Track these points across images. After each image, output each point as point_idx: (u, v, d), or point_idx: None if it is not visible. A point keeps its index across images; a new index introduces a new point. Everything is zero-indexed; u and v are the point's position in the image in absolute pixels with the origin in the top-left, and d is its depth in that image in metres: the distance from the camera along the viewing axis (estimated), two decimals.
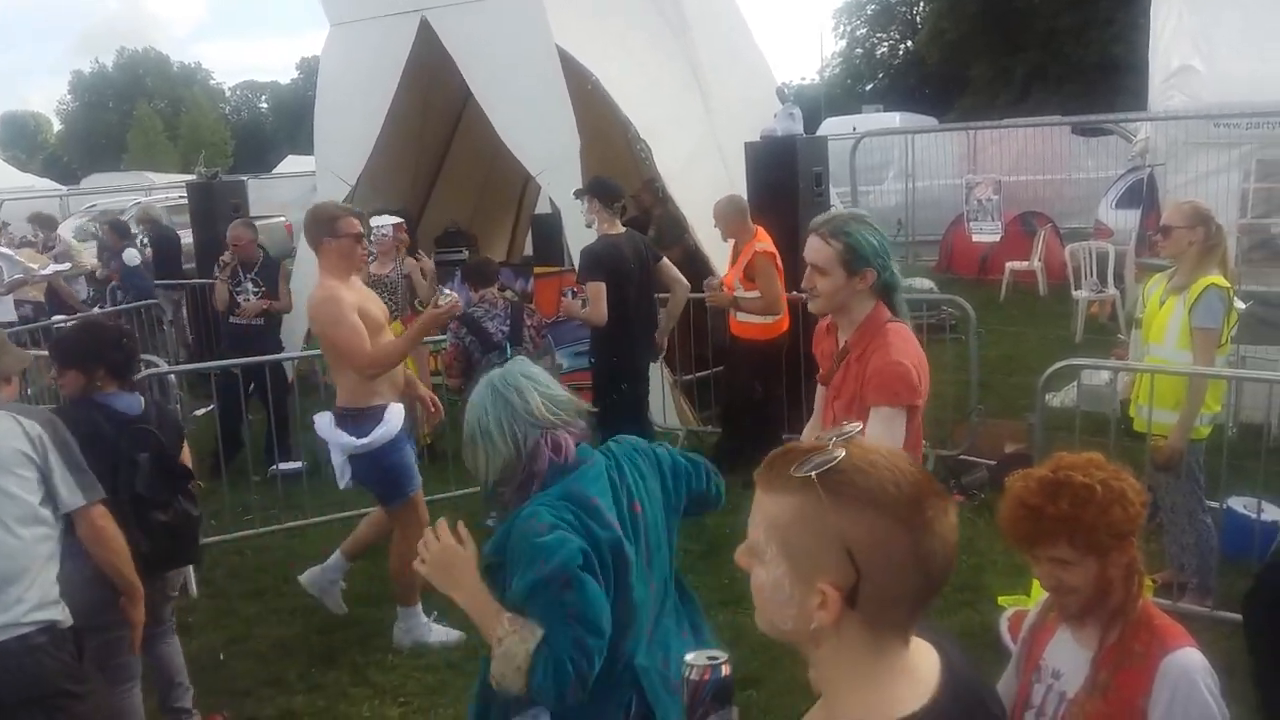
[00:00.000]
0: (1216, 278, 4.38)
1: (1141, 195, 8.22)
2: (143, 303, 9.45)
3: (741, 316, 6.43)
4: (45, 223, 12.08)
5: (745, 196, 7.09)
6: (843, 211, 3.36)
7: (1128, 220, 9.54)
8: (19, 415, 2.80)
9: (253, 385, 7.16)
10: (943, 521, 1.21)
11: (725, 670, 1.56)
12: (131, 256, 9.84)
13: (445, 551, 2.25)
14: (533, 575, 2.09)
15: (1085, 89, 26.88)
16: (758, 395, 6.43)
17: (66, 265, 10.59)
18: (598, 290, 5.51)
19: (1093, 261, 10.62)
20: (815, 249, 2.96)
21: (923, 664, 1.28)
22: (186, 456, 3.93)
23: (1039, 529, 2.05)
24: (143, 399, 3.80)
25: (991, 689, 1.42)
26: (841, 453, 1.21)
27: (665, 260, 6.05)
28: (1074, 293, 10.48)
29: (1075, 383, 5.51)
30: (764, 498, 1.27)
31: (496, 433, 2.25)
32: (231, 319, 7.59)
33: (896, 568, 1.19)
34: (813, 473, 1.19)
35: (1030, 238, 12.81)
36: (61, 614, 2.82)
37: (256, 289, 7.58)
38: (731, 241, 6.55)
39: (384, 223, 7.51)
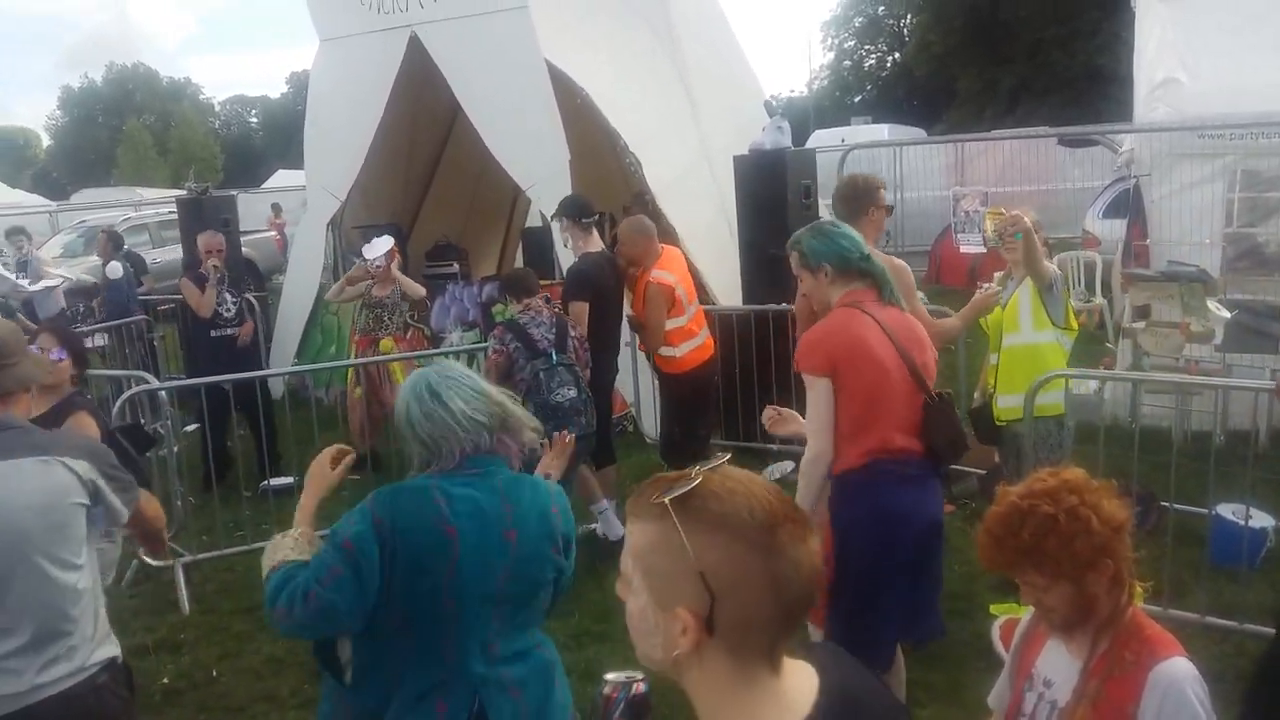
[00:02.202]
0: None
1: (1128, 205, 8.29)
2: (131, 319, 9.42)
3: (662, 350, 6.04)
4: (11, 234, 11.86)
5: (734, 208, 7.13)
6: (804, 227, 3.66)
7: (1114, 230, 9.60)
8: (67, 460, 2.63)
9: (241, 400, 7.16)
10: (797, 547, 1.21)
11: (639, 689, 1.59)
12: (114, 270, 9.83)
13: (318, 466, 2.68)
14: (338, 525, 2.40)
15: (1072, 99, 27.11)
16: (676, 437, 6.08)
17: (56, 281, 10.56)
18: (580, 310, 5.55)
19: (1080, 271, 10.68)
20: (792, 264, 3.49)
21: (797, 688, 1.27)
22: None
23: (1005, 558, 2.09)
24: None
25: (890, 708, 1.41)
26: (699, 480, 1.23)
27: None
28: None
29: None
30: (630, 526, 1.28)
31: (421, 430, 2.44)
32: (213, 333, 7.54)
33: (751, 592, 1.19)
34: (667, 499, 1.21)
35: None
36: (116, 647, 2.78)
37: (234, 299, 7.61)
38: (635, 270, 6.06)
39: (377, 252, 7.49)
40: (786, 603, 1.21)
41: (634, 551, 1.27)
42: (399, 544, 2.32)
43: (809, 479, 3.29)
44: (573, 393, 5.19)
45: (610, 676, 1.65)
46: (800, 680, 1.28)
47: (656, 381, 6.44)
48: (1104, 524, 2.01)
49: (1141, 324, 6.55)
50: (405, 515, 2.36)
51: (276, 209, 18.77)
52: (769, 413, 3.63)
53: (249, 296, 8.27)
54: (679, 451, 6.05)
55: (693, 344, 5.99)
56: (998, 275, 4.98)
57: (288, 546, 2.47)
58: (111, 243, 10.37)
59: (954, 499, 6.20)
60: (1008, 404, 4.68)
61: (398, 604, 2.34)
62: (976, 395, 5.37)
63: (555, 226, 6.10)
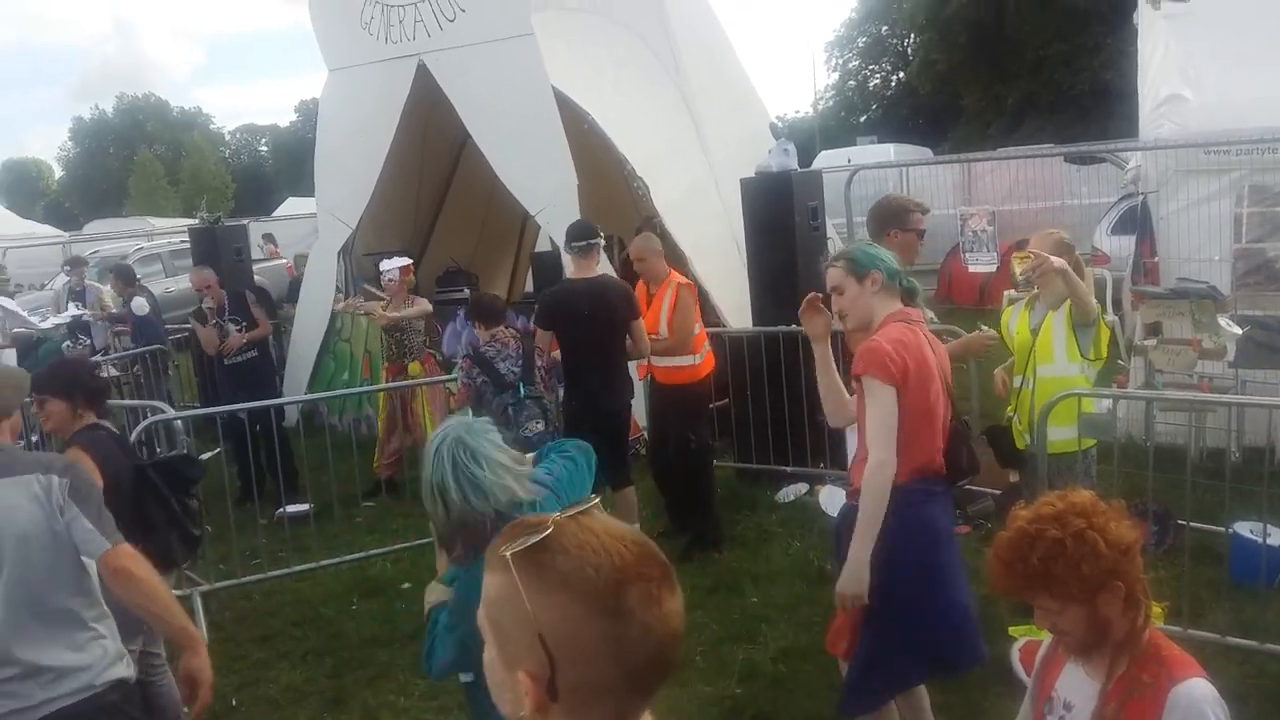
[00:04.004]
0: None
1: (1136, 222, 8.28)
2: (149, 348, 9.49)
3: (664, 362, 6.11)
4: (78, 264, 12.07)
5: (741, 231, 7.15)
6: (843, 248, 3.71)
7: (1124, 247, 9.58)
8: (39, 473, 2.67)
9: (258, 426, 7.20)
10: (649, 609, 1.11)
11: None
12: (140, 305, 9.89)
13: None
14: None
15: (1078, 116, 27.14)
16: (695, 444, 6.10)
17: (66, 319, 10.63)
18: (544, 338, 5.57)
19: (1091, 288, 10.65)
20: (830, 277, 3.40)
21: None
22: None
23: (1015, 584, 2.09)
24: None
25: None
26: (549, 530, 1.13)
27: (639, 322, 5.81)
28: None
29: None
30: (485, 574, 1.20)
31: (457, 498, 2.40)
32: (225, 361, 7.70)
33: (589, 657, 1.10)
34: (508, 552, 1.13)
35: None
36: (128, 669, 2.81)
37: (237, 326, 7.68)
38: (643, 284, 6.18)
39: (391, 266, 7.60)
40: (632, 670, 1.12)
41: (485, 601, 1.18)
42: None
43: (876, 489, 3.13)
44: (541, 426, 5.20)
45: None
46: None
47: (655, 395, 6.39)
48: (1111, 546, 2.01)
49: (1153, 341, 6.54)
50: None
51: (269, 239, 18.69)
52: (811, 298, 3.47)
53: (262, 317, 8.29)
54: (698, 459, 6.16)
55: (705, 349, 6.18)
56: (1007, 294, 4.96)
57: (440, 591, 2.62)
58: (122, 279, 10.46)
59: (969, 519, 6.19)
60: (1055, 436, 4.59)
61: None
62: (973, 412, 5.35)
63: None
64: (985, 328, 4.84)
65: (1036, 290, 4.70)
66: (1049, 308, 4.59)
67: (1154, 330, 6.68)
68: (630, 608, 1.10)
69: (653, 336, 5.97)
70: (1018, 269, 4.46)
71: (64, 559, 2.68)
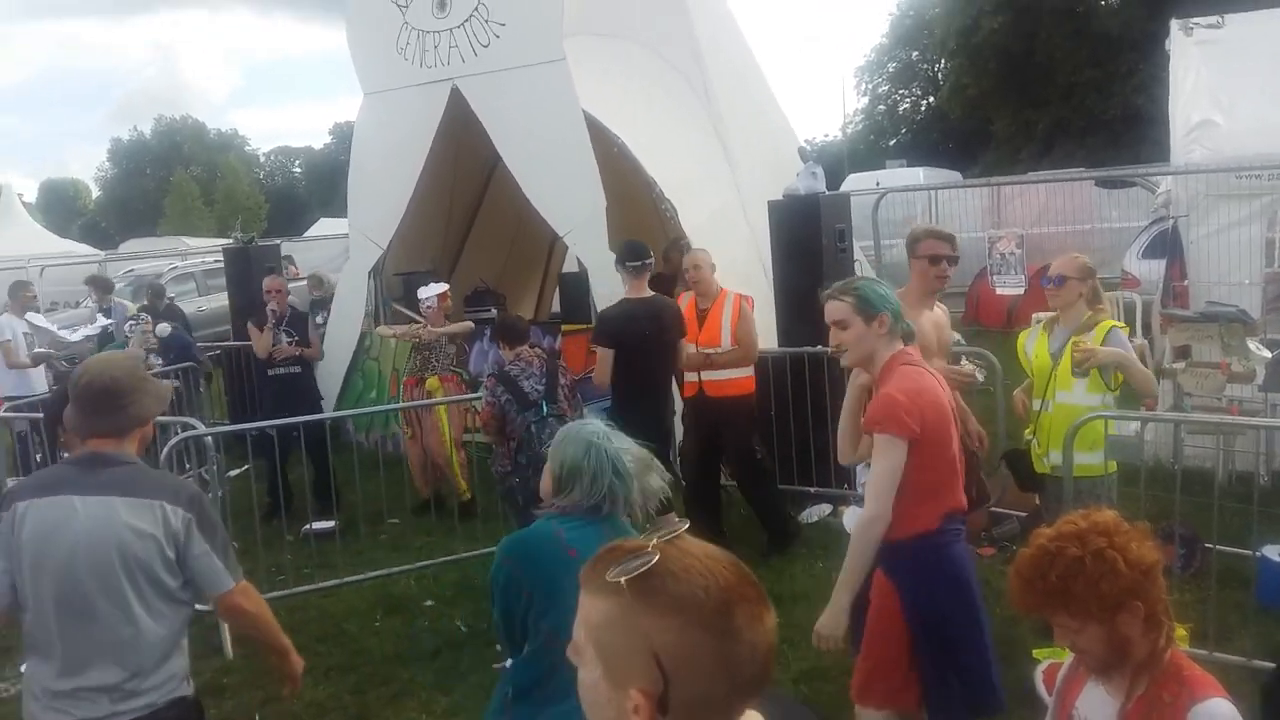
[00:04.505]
0: (1115, 321, 4.72)
1: (1166, 246, 8.25)
2: (183, 364, 9.62)
3: (721, 375, 6.20)
4: (101, 285, 12.29)
5: (768, 254, 7.18)
6: (848, 278, 3.69)
7: (1154, 270, 9.54)
8: (166, 503, 2.70)
9: (295, 434, 7.28)
10: (754, 628, 1.19)
11: None
12: (163, 330, 10.04)
13: None
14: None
15: (1109, 141, 26.98)
16: (760, 454, 6.23)
17: (96, 329, 10.79)
18: (604, 355, 5.66)
19: (1120, 312, 10.59)
20: (832, 309, 3.32)
21: None
22: None
23: (1034, 601, 2.10)
24: None
25: None
26: (656, 556, 1.20)
27: (684, 341, 6.02)
28: None
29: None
30: (584, 598, 1.25)
31: (589, 479, 2.77)
32: (270, 372, 7.83)
33: (703, 675, 1.17)
34: (622, 578, 1.19)
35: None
36: (189, 687, 2.85)
37: (290, 339, 7.82)
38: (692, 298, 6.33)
39: (429, 294, 7.74)
40: (740, 684, 1.19)
41: (587, 624, 1.24)
42: (526, 575, 2.71)
43: (865, 541, 3.19)
44: None
45: None
46: None
47: (701, 409, 6.39)
48: (1131, 566, 2.01)
49: (1181, 365, 6.49)
50: (530, 550, 2.78)
51: (289, 260, 18.57)
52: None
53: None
54: (761, 467, 6.39)
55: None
56: (1036, 316, 4.95)
57: None
58: (156, 296, 10.63)
59: (995, 542, 6.16)
60: (1056, 460, 4.63)
61: (542, 623, 2.66)
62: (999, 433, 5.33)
63: (604, 263, 6.24)
64: (965, 361, 4.80)
65: (1057, 313, 4.71)
66: (1072, 333, 4.58)
67: (1183, 353, 6.64)
68: (738, 626, 1.18)
69: (713, 350, 6.13)
70: (1075, 358, 4.47)
71: (163, 588, 2.71)
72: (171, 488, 2.78)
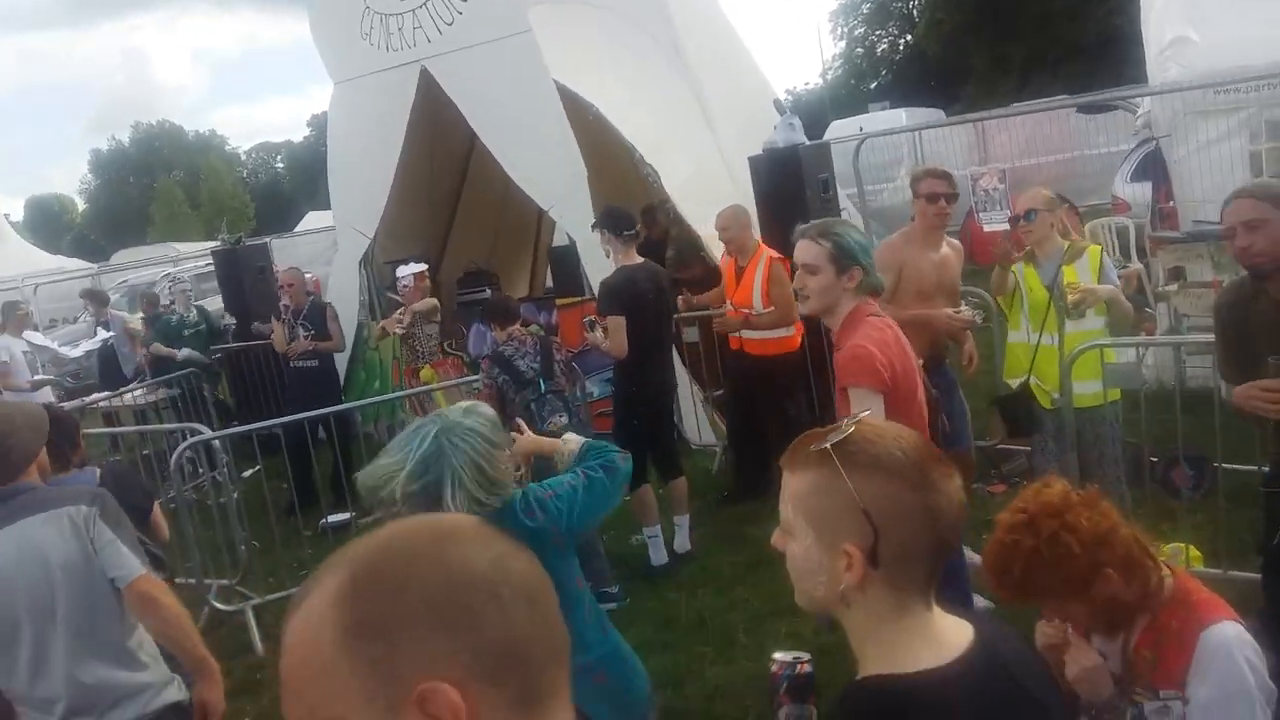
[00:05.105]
0: (1097, 245, 4.87)
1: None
2: (183, 371, 9.63)
3: (759, 334, 6.26)
4: (98, 299, 12.29)
5: (753, 209, 7.15)
6: (828, 218, 3.61)
7: (1145, 193, 9.50)
8: (69, 505, 2.72)
9: (321, 432, 7.31)
10: (947, 483, 1.32)
11: (803, 669, 1.69)
12: (187, 354, 10.03)
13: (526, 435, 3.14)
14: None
15: (1088, 66, 26.78)
16: (794, 413, 6.24)
17: (96, 345, 10.81)
18: (617, 323, 5.61)
19: (1114, 237, 10.56)
20: (804, 249, 3.20)
21: (951, 634, 1.36)
22: (157, 516, 4.11)
23: (1009, 594, 2.14)
24: (97, 472, 3.90)
25: (1040, 677, 1.45)
26: (852, 428, 1.34)
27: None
28: None
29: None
30: (789, 478, 1.40)
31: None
32: (292, 364, 7.90)
33: (910, 525, 1.29)
34: (827, 445, 1.32)
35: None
36: (180, 692, 2.87)
37: (306, 332, 7.82)
38: (731, 257, 6.41)
39: (406, 273, 7.70)
40: (941, 532, 1.32)
41: (794, 498, 1.38)
42: None
43: None
44: (564, 419, 5.26)
45: (778, 656, 1.76)
46: (955, 626, 1.38)
47: (740, 368, 6.46)
48: (1085, 545, 2.02)
49: (1174, 287, 6.49)
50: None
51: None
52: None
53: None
54: (795, 429, 6.22)
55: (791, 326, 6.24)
56: (1013, 266, 4.94)
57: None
58: (153, 305, 10.65)
59: (1004, 478, 6.19)
60: (1081, 390, 4.64)
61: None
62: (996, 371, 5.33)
63: (595, 235, 6.18)
64: (965, 306, 4.81)
65: (1030, 248, 4.75)
66: (1058, 263, 4.61)
67: (1176, 275, 6.63)
68: (935, 479, 1.31)
69: (746, 311, 6.13)
70: (1070, 299, 4.50)
71: (104, 588, 2.74)
72: (72, 494, 2.83)
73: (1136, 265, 10.28)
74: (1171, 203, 7.22)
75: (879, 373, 3.05)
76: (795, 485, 1.38)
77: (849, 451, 1.32)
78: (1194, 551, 4.52)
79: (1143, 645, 2.13)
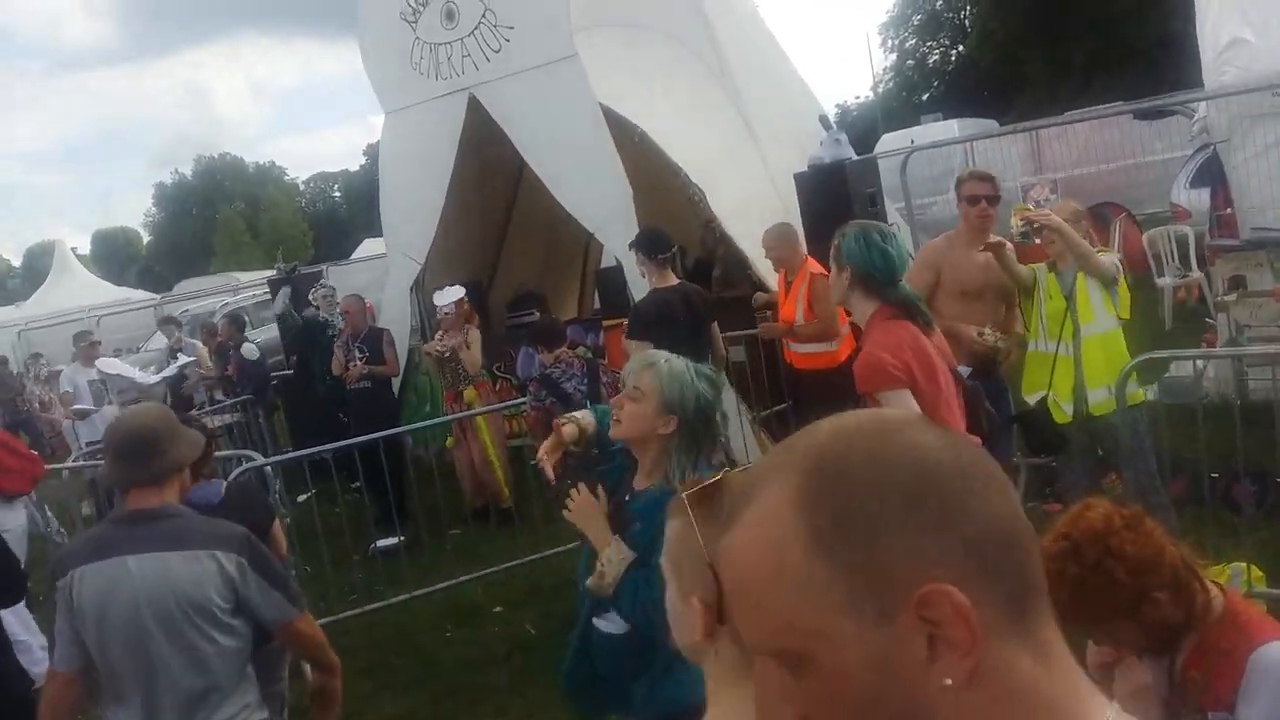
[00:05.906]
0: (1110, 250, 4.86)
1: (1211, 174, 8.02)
2: (244, 398, 9.81)
3: (803, 348, 6.29)
4: (166, 322, 12.57)
5: (800, 227, 7.11)
6: (863, 220, 3.72)
7: (1204, 200, 9.27)
8: (219, 552, 2.73)
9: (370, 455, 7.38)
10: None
11: None
12: (250, 350, 10.26)
13: (584, 502, 2.80)
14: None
15: (1147, 70, 26.22)
16: None
17: (173, 372, 11.06)
18: (639, 349, 5.61)
19: (1173, 245, 10.32)
20: (832, 250, 3.43)
21: None
22: (277, 533, 4.20)
23: (1059, 618, 2.07)
24: (223, 485, 4.00)
25: None
26: (718, 477, 1.30)
27: (715, 325, 6.15)
28: (1157, 280, 10.19)
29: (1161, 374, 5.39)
30: (668, 523, 1.43)
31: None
32: (350, 387, 8.06)
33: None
34: (683, 496, 1.29)
35: (1105, 230, 12.48)
36: (264, 712, 2.93)
37: (362, 355, 7.98)
38: (781, 272, 6.47)
39: (445, 300, 7.76)
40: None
41: (666, 545, 1.42)
42: None
43: None
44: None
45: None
46: None
47: (789, 381, 6.50)
48: (1132, 571, 1.97)
49: (1233, 296, 6.31)
50: None
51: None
52: None
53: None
54: None
55: (844, 333, 6.14)
56: (1031, 268, 4.88)
57: (616, 555, 2.70)
58: (235, 325, 10.91)
59: (1059, 498, 6.04)
60: (1098, 398, 4.56)
61: None
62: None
63: (632, 259, 6.21)
64: (988, 331, 4.71)
65: (1053, 259, 4.72)
66: (1075, 269, 4.59)
67: (1237, 284, 6.45)
68: None
69: (790, 324, 6.19)
70: (1016, 222, 4.48)
71: (225, 626, 2.75)
72: (220, 535, 2.80)
73: (1197, 274, 10.06)
74: (1230, 209, 7.03)
75: (890, 372, 3.13)
76: (668, 531, 1.41)
77: (708, 502, 1.23)
78: (1256, 571, 4.36)
79: (1191, 666, 2.08)
